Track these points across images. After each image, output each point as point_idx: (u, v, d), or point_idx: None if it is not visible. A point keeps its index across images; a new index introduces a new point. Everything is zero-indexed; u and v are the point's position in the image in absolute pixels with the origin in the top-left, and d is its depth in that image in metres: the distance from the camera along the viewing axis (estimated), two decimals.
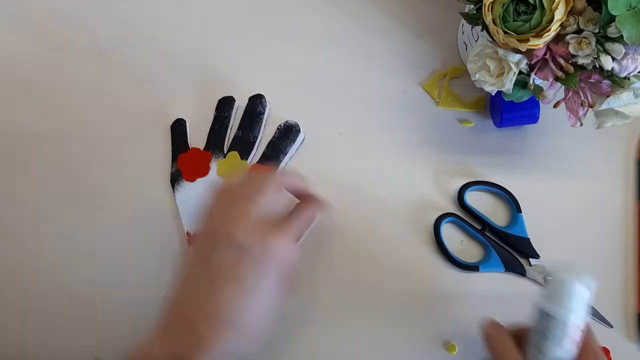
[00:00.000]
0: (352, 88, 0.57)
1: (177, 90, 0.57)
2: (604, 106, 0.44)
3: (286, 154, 0.55)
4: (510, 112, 0.52)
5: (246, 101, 0.56)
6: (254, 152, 0.55)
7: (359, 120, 0.56)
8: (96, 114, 0.57)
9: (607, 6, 0.39)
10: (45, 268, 0.53)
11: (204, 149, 0.55)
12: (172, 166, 0.55)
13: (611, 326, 0.50)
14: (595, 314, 0.51)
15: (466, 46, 0.56)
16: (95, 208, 0.54)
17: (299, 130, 0.55)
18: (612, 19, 0.39)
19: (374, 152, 0.55)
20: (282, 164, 0.54)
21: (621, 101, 0.43)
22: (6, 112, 0.57)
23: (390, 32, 0.59)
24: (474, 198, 0.54)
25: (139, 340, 0.39)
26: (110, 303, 0.52)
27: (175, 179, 0.54)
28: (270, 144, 0.55)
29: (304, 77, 0.58)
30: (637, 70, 0.42)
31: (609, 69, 0.41)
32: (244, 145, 0.55)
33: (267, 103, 0.56)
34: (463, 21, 0.57)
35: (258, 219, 0.39)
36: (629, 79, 0.43)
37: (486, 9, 0.42)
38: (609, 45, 0.41)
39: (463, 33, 0.57)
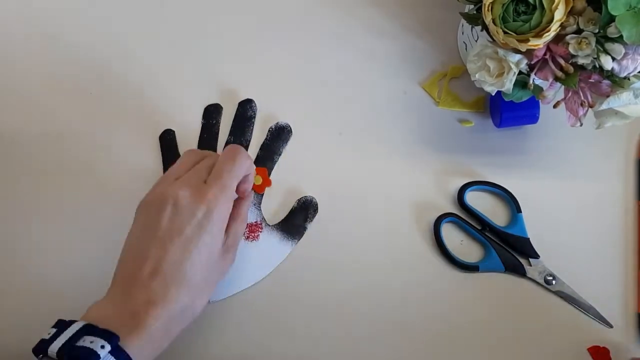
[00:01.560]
0: (352, 88, 0.57)
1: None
2: (603, 106, 0.44)
3: (280, 154, 0.55)
4: (510, 112, 0.52)
5: (234, 105, 0.56)
6: None
7: (358, 120, 0.56)
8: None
9: (607, 6, 0.39)
10: (39, 270, 0.53)
11: None
12: None
13: (611, 326, 0.50)
14: (595, 314, 0.51)
15: (466, 46, 0.56)
16: (89, 219, 0.54)
17: (290, 131, 0.55)
18: (612, 19, 0.39)
19: (373, 152, 0.55)
20: (276, 164, 0.55)
21: (621, 101, 0.43)
22: None
23: (390, 32, 0.59)
24: (474, 198, 0.54)
25: (95, 302, 0.41)
26: None
27: None
28: (263, 146, 0.55)
29: (303, 78, 0.57)
30: (637, 71, 0.42)
31: (609, 69, 0.41)
32: None
33: (257, 107, 0.56)
34: (463, 21, 0.57)
35: (199, 180, 0.44)
36: (628, 79, 0.43)
37: (486, 9, 0.42)
38: (608, 46, 0.41)
39: (463, 33, 0.57)
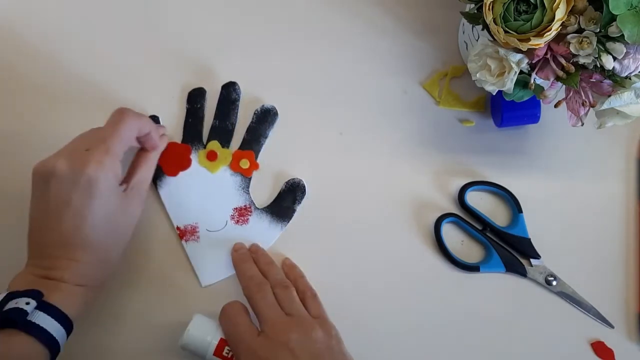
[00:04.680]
0: (352, 88, 0.57)
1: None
2: (605, 106, 0.43)
3: (267, 137, 0.55)
4: (511, 111, 0.52)
5: (222, 93, 0.56)
6: (233, 138, 0.55)
7: (359, 120, 0.56)
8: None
9: (608, 6, 0.39)
10: None
11: (182, 142, 0.55)
12: None
13: (612, 326, 0.50)
14: (596, 314, 0.50)
15: (467, 45, 0.56)
16: None
17: (276, 113, 0.55)
18: (613, 18, 0.39)
19: (374, 152, 0.55)
20: (263, 147, 0.55)
21: (622, 101, 0.43)
22: None
23: (390, 32, 0.59)
24: (474, 198, 0.54)
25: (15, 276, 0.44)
26: (108, 302, 0.52)
27: (156, 176, 0.54)
28: (250, 129, 0.55)
29: (304, 77, 0.57)
30: (638, 70, 0.42)
31: (610, 68, 0.41)
32: (223, 133, 0.55)
33: (240, 89, 0.56)
34: (463, 20, 0.57)
35: (81, 149, 0.45)
36: (630, 78, 0.43)
37: (487, 8, 0.42)
38: (610, 45, 0.41)
39: (464, 32, 0.57)
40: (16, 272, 0.45)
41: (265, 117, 0.55)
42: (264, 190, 0.54)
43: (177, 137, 0.55)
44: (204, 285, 0.51)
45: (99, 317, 0.51)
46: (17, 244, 0.46)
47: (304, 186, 0.53)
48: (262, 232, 0.53)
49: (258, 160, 0.55)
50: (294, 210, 0.53)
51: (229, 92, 0.56)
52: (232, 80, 0.56)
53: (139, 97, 0.56)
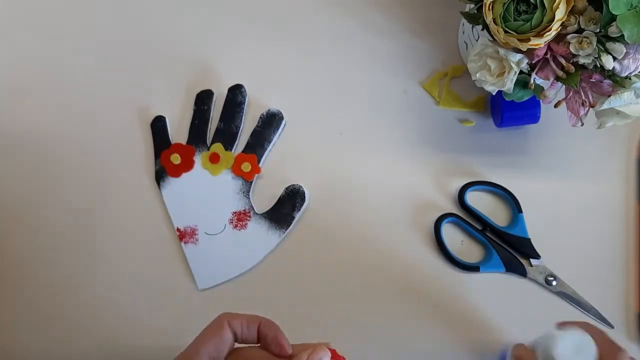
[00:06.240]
0: (352, 88, 0.57)
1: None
2: (605, 106, 0.43)
3: (270, 142, 0.55)
4: (511, 111, 0.52)
5: (228, 96, 0.56)
6: (237, 142, 0.55)
7: (359, 120, 0.56)
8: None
9: (608, 6, 0.39)
10: (35, 268, 0.53)
11: (187, 143, 0.55)
12: (155, 164, 0.55)
13: (612, 326, 0.50)
14: (596, 314, 0.50)
15: (467, 45, 0.56)
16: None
17: (282, 118, 0.55)
18: (613, 18, 0.39)
19: (374, 151, 0.55)
20: (267, 151, 0.55)
21: (622, 101, 0.43)
22: None
23: (390, 32, 0.59)
24: (474, 198, 0.54)
25: None
26: (106, 300, 0.52)
27: (160, 176, 0.54)
28: (254, 133, 0.55)
29: (304, 77, 0.57)
30: (638, 70, 0.42)
31: (610, 68, 0.41)
32: (227, 136, 0.55)
33: (246, 92, 0.56)
34: (463, 20, 0.57)
35: None
36: (630, 78, 0.43)
37: (487, 8, 0.42)
38: (610, 45, 0.41)
39: (463, 32, 0.57)
40: None
41: (270, 122, 0.55)
42: (265, 194, 0.54)
43: (183, 138, 0.55)
44: (200, 289, 0.51)
45: (96, 316, 0.52)
46: None
47: (304, 193, 0.53)
48: (260, 238, 0.52)
49: (260, 165, 0.54)
50: (292, 218, 0.53)
51: (235, 95, 0.56)
52: (239, 83, 0.56)
53: (146, 98, 0.57)
